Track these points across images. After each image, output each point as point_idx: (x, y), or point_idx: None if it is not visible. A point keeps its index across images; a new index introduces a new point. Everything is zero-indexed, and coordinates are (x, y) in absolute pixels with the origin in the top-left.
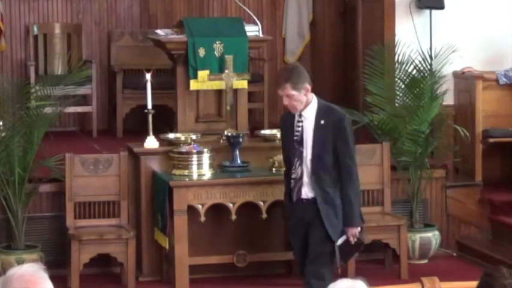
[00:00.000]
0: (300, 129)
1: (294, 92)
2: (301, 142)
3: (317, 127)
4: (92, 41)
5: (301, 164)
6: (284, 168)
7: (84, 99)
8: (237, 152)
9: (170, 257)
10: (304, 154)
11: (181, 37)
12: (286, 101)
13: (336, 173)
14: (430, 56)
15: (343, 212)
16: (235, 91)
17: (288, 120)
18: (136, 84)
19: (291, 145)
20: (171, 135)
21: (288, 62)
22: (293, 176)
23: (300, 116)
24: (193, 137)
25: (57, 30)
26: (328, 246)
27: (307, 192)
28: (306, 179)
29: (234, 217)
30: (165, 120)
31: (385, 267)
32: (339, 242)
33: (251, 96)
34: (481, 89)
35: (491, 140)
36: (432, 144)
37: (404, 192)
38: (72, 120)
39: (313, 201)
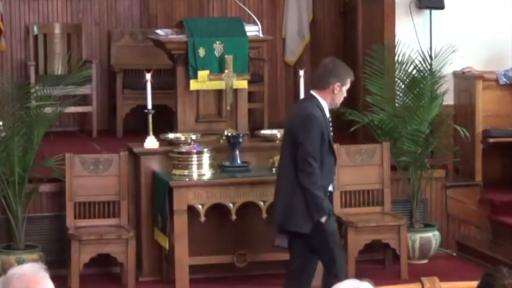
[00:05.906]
0: (331, 125)
1: None
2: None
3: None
4: (92, 41)
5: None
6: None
7: (84, 99)
8: (237, 152)
9: (170, 257)
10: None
11: (181, 37)
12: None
13: None
14: (430, 56)
15: None
16: (235, 91)
17: (322, 119)
18: (136, 84)
19: (330, 141)
20: (171, 135)
21: (288, 62)
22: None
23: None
24: (193, 137)
25: (57, 30)
26: None
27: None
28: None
29: (234, 217)
30: (165, 120)
31: (385, 267)
32: None
33: (251, 96)
34: (481, 89)
35: (491, 140)
36: (432, 144)
37: (404, 192)
38: (72, 120)
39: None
